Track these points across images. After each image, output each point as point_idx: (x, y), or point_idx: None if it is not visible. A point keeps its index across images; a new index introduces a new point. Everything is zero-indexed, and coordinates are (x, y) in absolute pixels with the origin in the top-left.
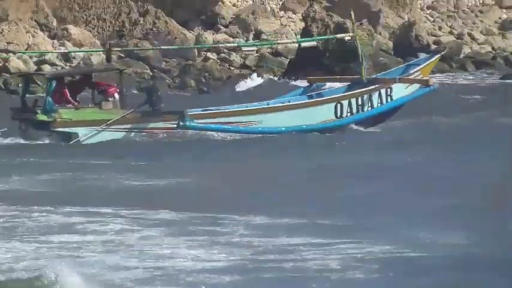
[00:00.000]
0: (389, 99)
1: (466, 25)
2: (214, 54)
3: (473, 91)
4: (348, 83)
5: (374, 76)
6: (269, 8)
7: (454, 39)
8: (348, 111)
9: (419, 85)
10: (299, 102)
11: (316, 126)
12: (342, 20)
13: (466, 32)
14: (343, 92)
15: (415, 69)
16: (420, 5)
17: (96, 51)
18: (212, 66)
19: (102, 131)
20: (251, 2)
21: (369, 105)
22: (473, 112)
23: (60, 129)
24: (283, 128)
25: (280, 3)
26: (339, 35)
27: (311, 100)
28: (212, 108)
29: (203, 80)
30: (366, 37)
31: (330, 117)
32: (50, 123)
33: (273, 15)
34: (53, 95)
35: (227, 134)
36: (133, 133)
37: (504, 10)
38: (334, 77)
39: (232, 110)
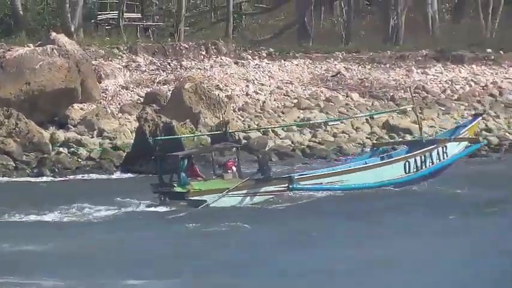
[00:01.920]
0: (445, 156)
1: (270, 123)
2: (65, 148)
3: None
4: (408, 145)
5: (432, 137)
6: (109, 111)
7: (261, 134)
8: (414, 167)
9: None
10: (377, 163)
11: (393, 181)
12: (169, 120)
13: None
14: (406, 153)
15: (463, 130)
16: (233, 107)
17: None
18: (63, 158)
19: (224, 196)
20: (95, 106)
21: (430, 161)
22: None
23: (193, 198)
24: (368, 184)
25: (119, 106)
26: (401, 108)
27: (386, 160)
28: (311, 172)
29: (56, 170)
30: (188, 134)
31: (401, 174)
32: (185, 193)
33: (113, 117)
34: (185, 170)
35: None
36: (249, 197)
37: (301, 111)
38: (395, 141)
39: (328, 172)
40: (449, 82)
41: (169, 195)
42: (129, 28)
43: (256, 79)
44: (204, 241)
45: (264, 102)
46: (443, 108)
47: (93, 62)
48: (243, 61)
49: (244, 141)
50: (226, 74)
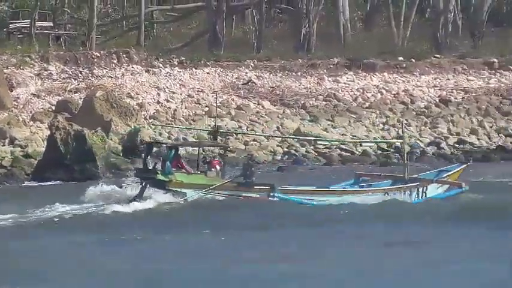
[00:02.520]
0: (424, 196)
1: (181, 131)
2: None
3: None
4: (391, 180)
5: (415, 176)
6: (21, 119)
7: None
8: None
9: (449, 186)
10: (359, 189)
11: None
12: (81, 128)
13: (181, 136)
14: (388, 186)
15: (446, 174)
16: (144, 115)
17: (205, 130)
18: None
19: (206, 194)
20: (7, 114)
21: (409, 198)
22: None
23: (173, 188)
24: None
25: (31, 115)
26: (391, 140)
27: (367, 189)
28: (295, 186)
29: None
30: (99, 142)
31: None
32: (166, 182)
33: (25, 125)
34: (171, 161)
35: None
36: (229, 198)
37: (212, 119)
38: (379, 174)
39: (310, 189)
40: (361, 90)
41: (150, 182)
42: (41, 37)
43: (168, 87)
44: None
45: (175, 110)
46: (354, 116)
47: (5, 71)
48: (154, 69)
49: (154, 148)
50: (138, 82)
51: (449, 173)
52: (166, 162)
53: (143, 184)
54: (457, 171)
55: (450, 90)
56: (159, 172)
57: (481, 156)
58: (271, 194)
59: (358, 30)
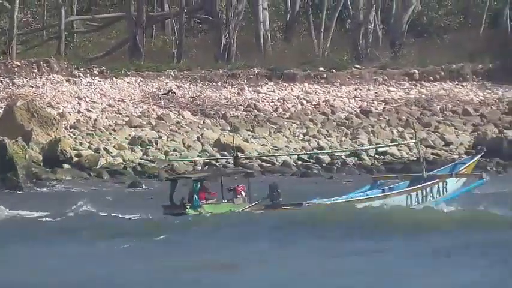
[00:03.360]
0: (445, 191)
1: (101, 141)
2: None
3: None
4: (409, 180)
5: (432, 173)
6: None
7: (92, 152)
8: (416, 201)
9: (467, 179)
10: (381, 195)
11: None
12: (1, 137)
13: (102, 146)
14: (407, 187)
15: (462, 167)
16: (64, 125)
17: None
18: None
19: None
20: None
21: (431, 196)
22: None
23: None
24: None
25: None
26: (405, 142)
27: (389, 192)
28: (321, 200)
29: None
30: (20, 151)
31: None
32: (197, 216)
33: None
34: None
35: None
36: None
37: (133, 129)
38: (395, 175)
39: (338, 201)
40: (281, 100)
41: (180, 217)
42: None
43: (88, 97)
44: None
45: (95, 120)
46: (275, 127)
47: None
48: (75, 79)
49: (75, 158)
50: (58, 91)
51: (465, 165)
52: (194, 195)
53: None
54: (473, 162)
55: (371, 101)
56: (188, 207)
57: (401, 168)
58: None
59: (279, 40)
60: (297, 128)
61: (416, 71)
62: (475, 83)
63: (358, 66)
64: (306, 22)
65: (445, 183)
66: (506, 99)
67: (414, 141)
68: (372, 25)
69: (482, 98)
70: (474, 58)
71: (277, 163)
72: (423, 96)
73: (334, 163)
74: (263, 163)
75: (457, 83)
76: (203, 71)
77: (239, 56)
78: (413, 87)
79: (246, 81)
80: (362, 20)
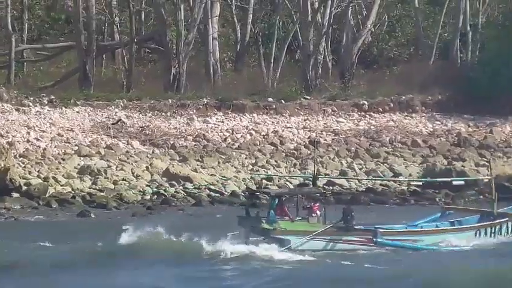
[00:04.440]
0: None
1: (51, 170)
2: None
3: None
4: (479, 214)
5: (503, 210)
6: None
7: (41, 181)
8: (484, 237)
9: None
10: (453, 228)
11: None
12: None
13: (51, 175)
14: (476, 222)
15: None
16: (13, 153)
17: (304, 176)
18: None
19: (309, 240)
20: None
21: (499, 234)
22: None
23: (277, 236)
24: (440, 247)
25: None
26: (479, 177)
27: (462, 226)
28: (394, 227)
29: None
30: None
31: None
32: (271, 231)
33: None
34: (275, 209)
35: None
36: (331, 243)
37: (82, 158)
38: (466, 208)
39: (411, 230)
40: (230, 131)
41: (255, 230)
42: None
43: (37, 126)
44: None
45: (44, 149)
46: (223, 157)
47: None
48: (24, 108)
49: (24, 187)
50: (8, 120)
51: None
52: (270, 210)
53: (246, 232)
54: None
55: (320, 132)
56: (263, 221)
57: (349, 198)
58: (374, 239)
59: (228, 70)
60: (245, 158)
61: (366, 102)
62: (424, 114)
63: (307, 97)
64: (255, 52)
65: None
66: (455, 131)
67: (489, 177)
68: (322, 56)
69: (432, 130)
70: (424, 89)
71: (226, 193)
72: (372, 127)
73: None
74: (211, 193)
75: (406, 114)
76: (152, 101)
77: (188, 86)
78: (363, 118)
79: (195, 111)
80: (312, 50)
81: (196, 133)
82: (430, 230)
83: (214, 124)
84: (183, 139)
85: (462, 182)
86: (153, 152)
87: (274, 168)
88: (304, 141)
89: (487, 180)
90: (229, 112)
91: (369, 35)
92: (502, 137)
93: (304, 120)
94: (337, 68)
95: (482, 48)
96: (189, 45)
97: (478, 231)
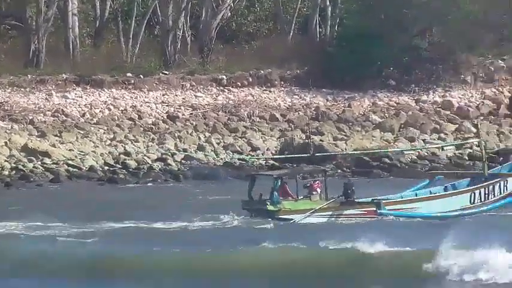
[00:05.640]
0: (505, 190)
1: None
2: None
3: None
4: (469, 178)
5: (492, 171)
6: None
7: None
8: (479, 199)
9: None
10: (451, 192)
11: (462, 212)
12: None
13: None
14: (467, 185)
15: None
16: None
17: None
18: None
19: (310, 216)
20: None
21: (493, 194)
22: None
23: (283, 216)
24: (446, 213)
25: None
26: (469, 141)
27: (457, 190)
28: (394, 196)
29: None
30: None
31: (467, 205)
32: (276, 212)
33: None
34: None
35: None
36: (333, 218)
37: None
38: (455, 172)
39: (411, 198)
40: (89, 106)
41: (259, 213)
42: None
43: None
44: None
45: None
46: (82, 132)
47: None
48: None
49: None
50: None
51: None
52: (274, 192)
53: (252, 215)
54: None
55: (178, 107)
56: (268, 203)
57: (207, 173)
58: (378, 210)
59: (87, 46)
60: (104, 133)
61: (224, 77)
62: (282, 88)
63: (166, 72)
64: (115, 28)
65: (506, 182)
66: (313, 105)
67: (478, 140)
68: (181, 31)
69: (290, 104)
70: (282, 64)
71: (84, 168)
72: (231, 101)
73: (141, 168)
74: (70, 168)
75: (264, 88)
76: (12, 77)
77: (48, 61)
78: (221, 93)
79: (54, 86)
80: (171, 26)
81: (55, 108)
82: (431, 196)
83: (73, 99)
84: (42, 114)
85: (453, 147)
86: (11, 128)
87: (132, 142)
88: (162, 116)
89: (476, 142)
90: (88, 87)
91: (228, 10)
92: (360, 111)
93: (163, 95)
94: (196, 43)
95: (342, 23)
96: (49, 21)
97: (473, 194)
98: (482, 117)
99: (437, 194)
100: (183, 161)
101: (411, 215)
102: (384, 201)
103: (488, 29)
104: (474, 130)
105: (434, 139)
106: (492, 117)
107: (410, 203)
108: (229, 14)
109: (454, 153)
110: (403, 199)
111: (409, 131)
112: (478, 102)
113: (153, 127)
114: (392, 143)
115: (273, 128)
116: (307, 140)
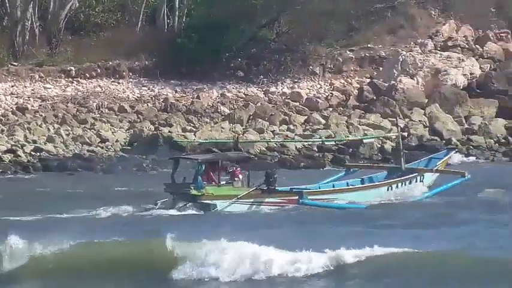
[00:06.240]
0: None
1: None
2: None
3: None
4: (386, 171)
5: (409, 165)
6: None
7: None
8: (394, 193)
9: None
10: (374, 184)
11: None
12: None
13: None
14: (385, 178)
15: (439, 162)
16: None
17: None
18: None
19: (234, 203)
20: None
21: (409, 189)
22: None
23: (205, 201)
24: (364, 205)
25: None
26: (388, 134)
27: (376, 183)
28: (312, 186)
29: None
30: None
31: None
32: (199, 196)
33: None
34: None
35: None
36: (254, 205)
37: None
38: (371, 165)
39: (331, 189)
40: None
41: (182, 196)
42: None
43: None
44: None
45: None
46: None
47: None
48: None
49: None
50: None
51: (441, 160)
52: (198, 176)
53: (174, 198)
54: (446, 159)
55: (27, 98)
56: (192, 187)
57: (56, 164)
58: (300, 200)
59: None
60: None
61: (73, 68)
62: (131, 80)
63: (14, 63)
64: None
65: (422, 177)
66: (162, 97)
67: (396, 134)
68: (29, 22)
69: (139, 95)
70: (131, 55)
71: None
72: (79, 93)
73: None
74: None
75: (113, 80)
76: None
77: None
78: (70, 84)
79: None
80: (19, 17)
81: None
82: (343, 188)
83: None
84: None
85: (373, 140)
86: None
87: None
88: (11, 108)
89: (394, 137)
90: None
91: (76, 1)
92: (209, 103)
93: (12, 86)
94: (45, 34)
95: (190, 14)
96: None
97: (390, 187)
98: (331, 109)
99: (355, 186)
100: (32, 152)
101: (332, 206)
102: (305, 191)
103: (336, 19)
104: (323, 122)
105: (284, 131)
106: (341, 108)
107: (331, 194)
108: (77, 4)
109: (303, 145)
110: (324, 189)
111: (258, 123)
112: (327, 94)
113: (2, 119)
114: (241, 135)
115: (122, 120)
116: (156, 132)
